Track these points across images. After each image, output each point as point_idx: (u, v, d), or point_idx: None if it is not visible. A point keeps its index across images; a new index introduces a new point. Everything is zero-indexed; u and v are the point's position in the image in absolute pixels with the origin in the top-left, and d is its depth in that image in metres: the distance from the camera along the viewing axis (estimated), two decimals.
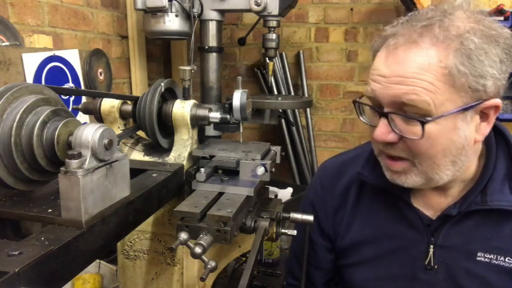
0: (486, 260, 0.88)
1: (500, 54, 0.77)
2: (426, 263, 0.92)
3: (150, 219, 1.00)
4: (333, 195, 1.07)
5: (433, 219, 0.93)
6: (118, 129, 1.03)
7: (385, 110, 0.81)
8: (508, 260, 0.87)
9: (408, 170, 0.85)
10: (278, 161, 1.05)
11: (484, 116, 0.81)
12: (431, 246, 0.92)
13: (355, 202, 1.04)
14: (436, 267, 0.92)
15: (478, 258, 0.88)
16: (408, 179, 0.86)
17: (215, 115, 0.98)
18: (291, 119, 2.56)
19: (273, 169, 0.97)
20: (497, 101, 0.79)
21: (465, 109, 0.77)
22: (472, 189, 0.88)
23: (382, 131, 0.82)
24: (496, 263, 0.87)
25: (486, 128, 0.82)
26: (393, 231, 0.97)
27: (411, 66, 0.76)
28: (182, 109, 0.97)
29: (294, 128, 2.59)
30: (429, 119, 0.77)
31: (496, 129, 0.91)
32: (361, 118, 0.90)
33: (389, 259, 0.98)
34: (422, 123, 0.77)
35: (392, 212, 0.97)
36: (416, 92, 0.76)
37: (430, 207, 0.94)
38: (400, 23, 0.82)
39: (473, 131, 0.81)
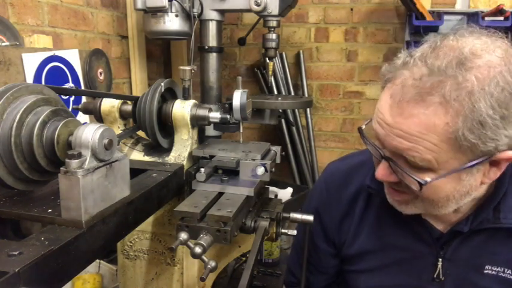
0: (493, 272, 0.87)
1: None
2: (435, 276, 0.91)
3: (150, 219, 1.00)
4: (340, 202, 1.05)
5: (443, 233, 0.91)
6: (118, 129, 1.03)
7: (387, 154, 0.78)
8: None
9: (410, 201, 0.84)
10: (278, 161, 1.04)
11: (494, 163, 0.75)
12: (440, 259, 0.91)
13: (363, 211, 1.02)
14: (443, 279, 0.91)
15: (485, 271, 0.88)
16: (408, 208, 0.85)
17: (215, 115, 0.98)
18: (291, 119, 2.56)
19: (273, 169, 0.97)
20: (510, 154, 0.72)
21: (471, 166, 0.72)
22: (484, 206, 0.86)
23: (384, 172, 0.80)
24: (503, 276, 0.86)
25: (496, 173, 0.77)
26: (401, 242, 0.96)
27: (416, 123, 0.70)
28: (182, 109, 0.97)
29: (294, 128, 2.59)
30: (428, 180, 0.73)
31: None
32: (366, 145, 0.86)
33: (396, 269, 0.97)
34: (420, 185, 0.74)
35: (401, 224, 0.95)
36: (418, 151, 0.72)
37: (440, 221, 0.92)
38: (413, 61, 0.73)
39: (480, 177, 0.77)
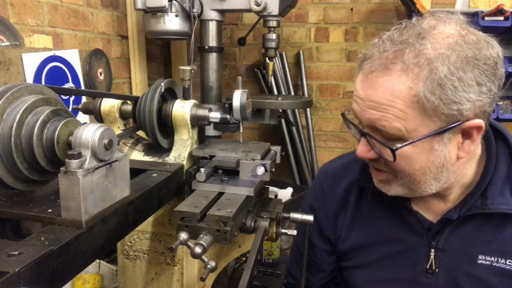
0: (487, 262, 0.88)
1: (479, 76, 0.74)
2: (427, 266, 0.92)
3: (150, 219, 1.00)
4: (334, 199, 1.07)
5: (433, 223, 0.93)
6: (118, 129, 1.03)
7: (364, 130, 0.84)
8: (509, 262, 0.86)
9: (391, 180, 0.87)
10: (278, 161, 1.05)
11: (466, 134, 0.79)
12: (432, 250, 0.92)
13: (356, 206, 1.04)
14: (437, 270, 0.92)
15: (479, 262, 0.88)
16: (392, 188, 0.88)
17: (215, 115, 0.98)
18: (291, 119, 2.56)
19: (273, 169, 0.97)
20: (479, 122, 0.77)
21: (439, 133, 0.76)
22: (472, 193, 0.88)
23: (363, 148, 0.85)
24: (497, 265, 0.87)
25: (470, 146, 0.81)
26: (394, 235, 0.97)
27: (383, 92, 0.76)
28: (182, 109, 0.97)
29: (294, 128, 2.59)
30: (399, 145, 0.78)
31: (496, 131, 0.91)
32: (350, 131, 0.92)
33: (391, 262, 0.98)
34: (392, 150, 0.78)
35: (393, 216, 0.97)
36: (387, 119, 0.76)
37: (431, 211, 0.94)
38: (381, 41, 0.80)
39: (454, 150, 0.80)
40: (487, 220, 0.88)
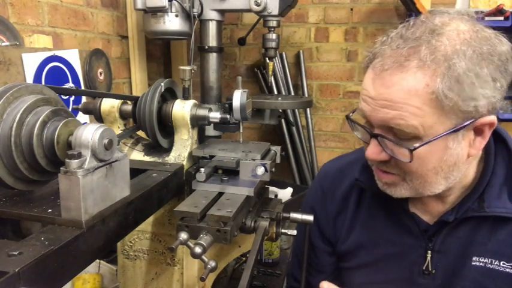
0: (481, 264, 0.87)
1: (494, 72, 0.73)
2: (424, 268, 0.92)
3: (150, 219, 1.00)
4: (334, 200, 1.07)
5: (430, 225, 0.92)
6: (118, 129, 1.03)
7: (375, 131, 0.81)
8: (503, 264, 0.86)
9: (398, 183, 0.85)
10: (278, 161, 1.05)
11: (478, 131, 0.79)
12: (429, 251, 0.91)
13: (356, 207, 1.03)
14: (433, 271, 0.91)
15: (473, 263, 0.88)
16: (397, 191, 0.87)
17: (215, 115, 0.98)
18: (291, 119, 2.56)
19: (273, 169, 0.97)
20: (492, 118, 0.76)
21: (456, 130, 0.75)
22: (470, 196, 0.87)
23: (374, 150, 0.82)
24: (491, 267, 0.86)
25: (481, 143, 0.80)
26: (391, 236, 0.97)
27: (398, 90, 0.74)
28: (182, 109, 0.97)
29: (294, 128, 2.59)
30: (416, 145, 0.75)
31: (496, 134, 0.89)
32: (354, 133, 0.90)
33: (388, 264, 0.97)
34: (410, 150, 0.76)
35: (390, 217, 0.97)
36: (403, 117, 0.74)
37: (428, 213, 0.93)
38: (390, 39, 0.78)
39: (466, 147, 0.79)
40: (482, 222, 0.87)
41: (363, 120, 0.85)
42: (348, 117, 0.89)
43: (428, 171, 0.80)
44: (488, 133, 0.79)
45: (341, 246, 1.06)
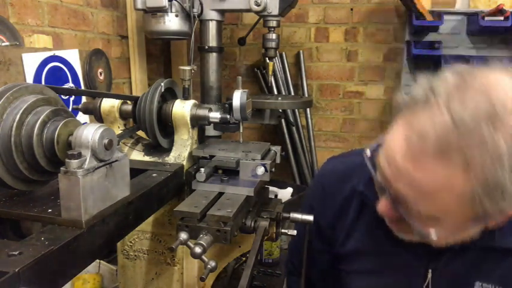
0: None
1: None
2: (424, 286, 0.91)
3: (150, 219, 1.00)
4: (335, 201, 1.04)
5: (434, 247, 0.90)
6: (118, 129, 1.03)
7: (391, 196, 0.75)
8: None
9: (409, 231, 0.81)
10: (278, 161, 1.04)
11: None
12: (430, 270, 0.90)
13: (357, 213, 1.00)
14: None
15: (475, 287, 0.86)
16: (407, 237, 0.84)
17: (215, 115, 0.98)
18: (291, 119, 2.56)
19: (273, 169, 0.97)
20: None
21: (477, 218, 0.69)
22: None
23: (386, 209, 0.78)
24: None
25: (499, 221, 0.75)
26: (393, 250, 0.94)
27: (430, 179, 0.65)
28: (182, 109, 0.97)
29: (294, 128, 2.59)
30: (432, 234, 0.71)
31: None
32: (373, 172, 0.80)
33: (387, 275, 0.96)
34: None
35: (393, 233, 0.92)
36: (426, 206, 0.68)
37: None
38: (436, 106, 0.64)
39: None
40: (489, 251, 0.85)
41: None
42: (369, 158, 0.80)
43: (441, 239, 0.76)
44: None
45: (339, 249, 1.04)
